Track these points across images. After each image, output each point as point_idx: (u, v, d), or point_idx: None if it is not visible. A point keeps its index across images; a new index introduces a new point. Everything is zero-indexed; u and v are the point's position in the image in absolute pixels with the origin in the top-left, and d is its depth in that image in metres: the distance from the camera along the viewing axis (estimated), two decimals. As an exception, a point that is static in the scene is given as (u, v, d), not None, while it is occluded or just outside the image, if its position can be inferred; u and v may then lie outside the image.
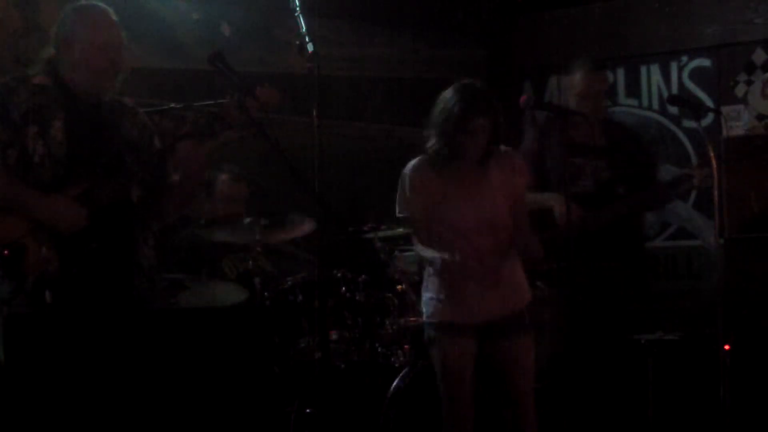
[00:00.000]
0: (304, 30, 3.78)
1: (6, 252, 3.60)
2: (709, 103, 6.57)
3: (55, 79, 3.85)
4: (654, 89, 6.90)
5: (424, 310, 4.22)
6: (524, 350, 4.13)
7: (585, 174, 5.25)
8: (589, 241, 5.03)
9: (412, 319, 5.00)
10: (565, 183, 4.69)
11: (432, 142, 4.10)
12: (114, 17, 3.91)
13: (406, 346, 4.99)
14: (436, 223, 4.13)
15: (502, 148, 4.16)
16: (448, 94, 4.07)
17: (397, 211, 4.22)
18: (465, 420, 4.10)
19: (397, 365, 4.88)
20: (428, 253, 4.16)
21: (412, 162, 4.19)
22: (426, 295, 4.21)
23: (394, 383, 4.67)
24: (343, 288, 5.01)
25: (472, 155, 4.07)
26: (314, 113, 3.72)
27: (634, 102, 6.97)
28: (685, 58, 6.79)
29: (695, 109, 5.37)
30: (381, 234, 5.09)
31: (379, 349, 4.92)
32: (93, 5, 3.93)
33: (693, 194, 6.69)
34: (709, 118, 6.28)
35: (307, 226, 4.92)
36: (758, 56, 6.52)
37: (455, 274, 4.10)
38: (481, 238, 4.09)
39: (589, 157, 5.27)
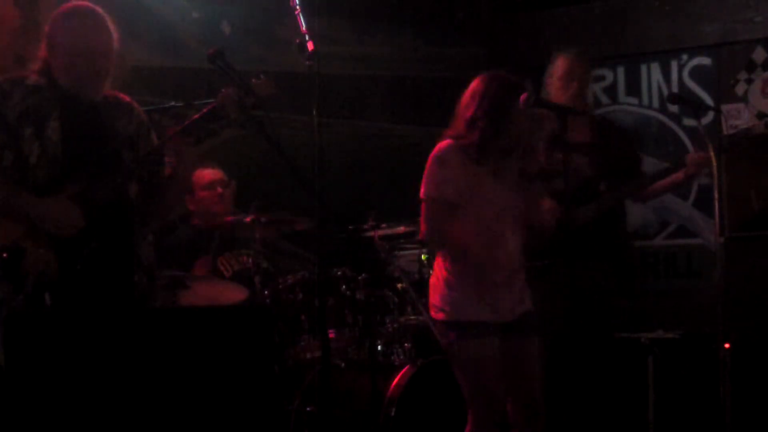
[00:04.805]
0: (304, 28, 3.78)
1: (5, 255, 3.59)
2: (710, 101, 6.57)
3: (49, 79, 3.80)
4: (654, 87, 6.90)
5: (447, 309, 4.01)
6: (537, 348, 4.09)
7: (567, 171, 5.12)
8: (572, 239, 4.98)
9: (412, 317, 5.00)
10: (566, 178, 4.62)
11: (462, 132, 3.97)
12: (103, 20, 3.79)
13: (406, 345, 5.00)
14: (468, 210, 4.00)
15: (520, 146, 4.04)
16: (491, 85, 3.97)
17: (426, 191, 3.97)
18: (500, 415, 4.00)
19: (397, 363, 4.89)
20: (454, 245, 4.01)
21: (443, 146, 4.01)
22: (451, 293, 4.01)
23: (394, 382, 4.68)
24: (344, 286, 5.01)
25: (507, 146, 3.99)
26: (314, 112, 3.71)
27: (634, 100, 6.96)
28: (685, 57, 6.78)
29: (695, 107, 5.36)
30: (381, 232, 5.09)
31: (380, 348, 4.92)
32: (80, 8, 3.82)
33: (693, 192, 6.69)
34: (710, 116, 6.29)
35: (305, 224, 4.93)
36: (758, 54, 6.52)
37: (486, 269, 4.00)
38: (508, 232, 4.03)
39: (572, 153, 5.13)
